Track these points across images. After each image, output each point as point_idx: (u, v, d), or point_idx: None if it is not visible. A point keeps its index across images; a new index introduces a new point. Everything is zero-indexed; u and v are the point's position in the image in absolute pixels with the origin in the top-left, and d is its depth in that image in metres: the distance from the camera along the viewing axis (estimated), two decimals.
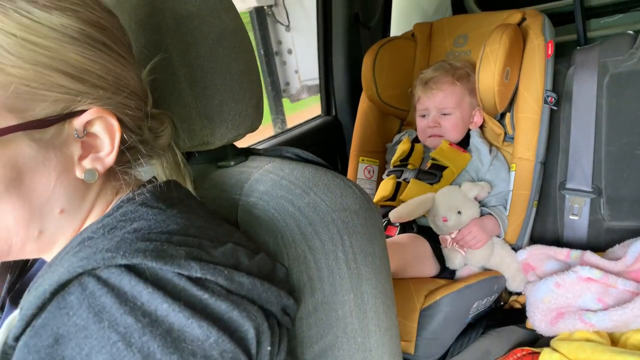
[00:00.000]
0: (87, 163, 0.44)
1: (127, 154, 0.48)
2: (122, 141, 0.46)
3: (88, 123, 0.43)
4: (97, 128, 0.44)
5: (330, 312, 0.52)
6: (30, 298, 0.38)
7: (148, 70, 0.51)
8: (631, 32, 1.38)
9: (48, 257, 0.47)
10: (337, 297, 0.52)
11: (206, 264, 0.40)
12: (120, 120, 0.45)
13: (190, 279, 0.39)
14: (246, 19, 1.95)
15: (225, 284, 0.40)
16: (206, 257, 0.41)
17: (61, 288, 0.37)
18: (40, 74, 0.40)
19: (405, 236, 1.29)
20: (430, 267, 1.28)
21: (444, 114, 1.38)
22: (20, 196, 0.41)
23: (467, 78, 1.38)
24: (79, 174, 0.44)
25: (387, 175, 1.44)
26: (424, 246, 1.28)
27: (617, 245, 1.32)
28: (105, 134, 0.44)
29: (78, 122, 0.42)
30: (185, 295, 0.38)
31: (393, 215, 1.29)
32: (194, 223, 0.45)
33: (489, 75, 1.26)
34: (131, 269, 0.38)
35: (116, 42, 0.46)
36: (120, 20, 0.48)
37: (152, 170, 0.55)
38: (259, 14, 1.94)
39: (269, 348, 0.42)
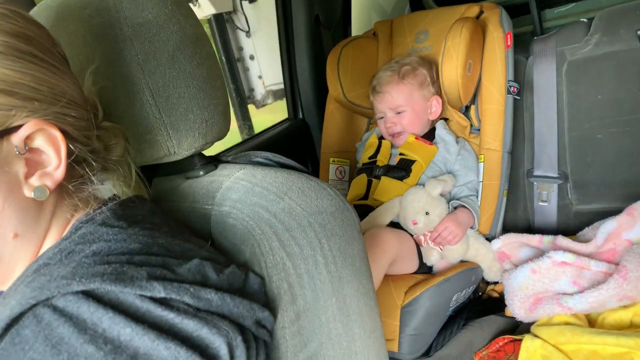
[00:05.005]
0: (34, 180, 0.42)
1: (77, 169, 0.46)
2: (70, 153, 0.43)
3: (28, 138, 0.41)
4: (39, 142, 0.42)
5: (314, 319, 0.51)
6: None
7: (92, 80, 0.49)
8: (585, 19, 1.42)
9: (5, 289, 0.44)
10: (319, 303, 0.51)
11: (170, 283, 0.38)
12: (64, 132, 0.43)
13: (153, 299, 0.37)
14: (205, 27, 1.92)
15: (192, 302, 0.39)
16: (170, 275, 0.39)
17: (14, 322, 0.35)
18: None
19: (395, 231, 1.28)
20: (412, 264, 1.29)
21: (398, 113, 1.39)
22: None
23: (413, 73, 1.39)
24: (28, 192, 0.42)
25: (358, 174, 1.44)
26: (410, 243, 1.29)
27: (587, 227, 1.35)
28: (49, 147, 0.42)
29: (16, 137, 0.40)
30: (149, 317, 0.37)
31: (363, 227, 1.27)
32: (157, 240, 0.43)
33: (451, 69, 1.27)
34: (89, 295, 0.36)
35: (45, 52, 0.43)
36: (74, 32, 0.46)
37: (112, 187, 0.52)
38: (218, 20, 1.91)
39: None
